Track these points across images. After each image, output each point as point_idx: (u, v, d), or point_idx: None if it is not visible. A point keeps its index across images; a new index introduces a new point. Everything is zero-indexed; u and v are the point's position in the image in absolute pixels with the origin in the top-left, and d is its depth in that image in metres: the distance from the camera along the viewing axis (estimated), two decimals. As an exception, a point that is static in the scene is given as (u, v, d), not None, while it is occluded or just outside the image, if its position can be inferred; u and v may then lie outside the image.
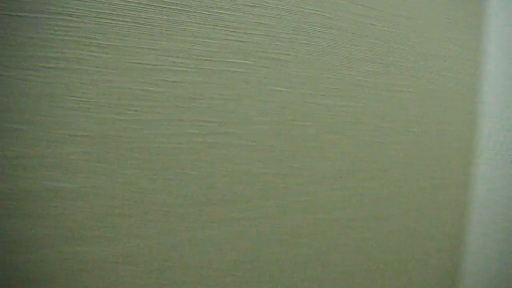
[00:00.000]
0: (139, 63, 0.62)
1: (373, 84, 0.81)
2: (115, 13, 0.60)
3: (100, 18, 0.59)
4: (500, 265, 0.98)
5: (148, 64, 0.62)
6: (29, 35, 0.56)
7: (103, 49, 0.60)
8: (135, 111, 0.62)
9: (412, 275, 0.93)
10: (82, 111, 0.59)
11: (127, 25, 0.61)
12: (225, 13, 0.66)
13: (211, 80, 0.66)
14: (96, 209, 0.61)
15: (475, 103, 1.00)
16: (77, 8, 0.58)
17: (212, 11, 0.65)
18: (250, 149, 0.70)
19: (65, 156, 0.59)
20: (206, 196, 0.68)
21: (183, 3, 0.63)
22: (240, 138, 0.69)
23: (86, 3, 0.58)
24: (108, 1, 0.59)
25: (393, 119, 0.84)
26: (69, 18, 0.57)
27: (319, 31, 0.74)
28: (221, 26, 0.66)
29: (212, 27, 0.66)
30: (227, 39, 0.67)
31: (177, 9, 0.63)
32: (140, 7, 0.61)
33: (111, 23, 0.60)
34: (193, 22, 0.64)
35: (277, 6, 0.70)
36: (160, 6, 0.62)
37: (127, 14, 0.60)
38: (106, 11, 0.59)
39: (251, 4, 0.68)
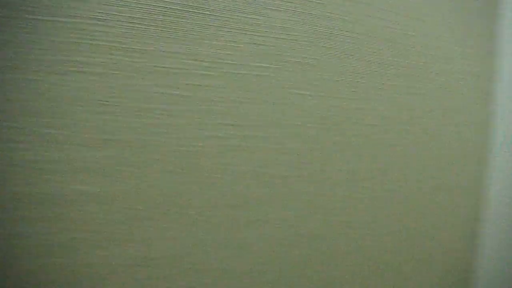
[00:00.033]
0: (164, 67, 0.62)
1: (391, 87, 0.81)
2: (141, 17, 0.60)
3: (127, 22, 0.59)
4: (514, 266, 0.99)
5: (173, 68, 0.63)
6: (57, 40, 0.56)
7: (129, 53, 0.60)
8: (160, 115, 0.62)
9: (426, 276, 0.93)
10: (108, 115, 0.60)
11: (153, 29, 0.61)
12: (249, 17, 0.67)
13: (234, 84, 0.67)
14: (119, 213, 0.61)
15: (488, 104, 1.00)
16: (105, 13, 0.58)
17: (236, 15, 0.66)
18: (272, 153, 0.71)
19: (90, 160, 0.59)
20: (227, 199, 0.68)
21: (208, 8, 0.64)
22: (261, 141, 0.70)
23: (113, 7, 0.58)
24: (134, 6, 0.59)
25: (410, 122, 0.85)
26: (97, 22, 0.58)
27: (340, 35, 0.74)
28: (245, 30, 0.66)
29: (236, 31, 0.66)
30: (250, 43, 0.67)
31: (201, 13, 0.63)
32: (165, 11, 0.61)
33: (137, 27, 0.60)
34: (217, 26, 0.65)
35: (300, 11, 0.70)
36: (184, 11, 0.62)
37: (153, 19, 0.61)
38: (133, 16, 0.59)
39: (274, 8, 0.68)
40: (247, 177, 0.69)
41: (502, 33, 1.00)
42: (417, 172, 0.87)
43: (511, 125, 1.00)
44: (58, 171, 0.58)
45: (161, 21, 0.61)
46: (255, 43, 0.67)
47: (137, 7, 0.60)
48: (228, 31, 0.65)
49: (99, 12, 0.58)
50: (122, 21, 0.59)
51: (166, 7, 0.61)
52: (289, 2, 0.69)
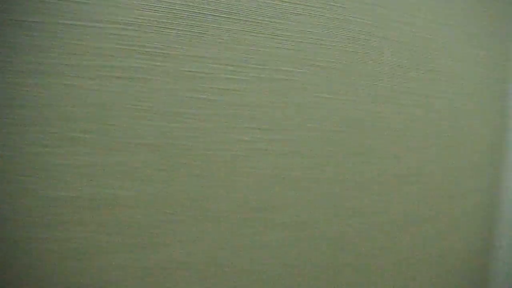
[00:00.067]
0: (197, 71, 0.63)
1: (414, 91, 0.82)
2: (172, 22, 0.61)
3: (161, 28, 0.60)
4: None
5: (201, 73, 0.63)
6: (94, 45, 0.57)
7: (163, 58, 0.60)
8: (188, 119, 0.63)
9: (445, 276, 0.94)
10: (142, 120, 0.60)
11: (185, 34, 0.61)
12: (277, 23, 0.67)
13: (260, 88, 0.67)
14: (154, 216, 0.62)
15: (504, 107, 1.01)
16: (139, 19, 0.59)
17: (264, 21, 0.66)
18: (296, 156, 0.71)
19: (123, 165, 0.60)
20: (258, 202, 0.69)
21: (238, 13, 0.64)
22: (290, 145, 0.70)
23: (147, 13, 0.59)
24: (166, 12, 0.60)
25: (431, 125, 0.86)
26: (131, 28, 0.58)
27: (365, 40, 0.75)
28: (273, 35, 0.67)
29: (265, 36, 0.67)
30: (278, 47, 0.68)
31: (231, 18, 0.64)
32: (197, 17, 0.62)
33: (171, 32, 0.61)
34: (246, 32, 0.65)
35: (326, 16, 0.71)
36: (216, 16, 0.63)
37: (184, 24, 0.61)
38: (165, 21, 0.60)
39: (301, 13, 0.69)
40: (273, 180, 0.69)
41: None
42: (436, 174, 0.88)
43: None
44: (92, 175, 0.58)
45: (194, 26, 0.62)
46: (279, 47, 0.68)
47: (169, 13, 0.60)
48: (258, 36, 0.66)
49: (134, 18, 0.58)
50: (157, 26, 0.60)
51: (199, 13, 0.62)
52: (313, 7, 0.70)
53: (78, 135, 0.57)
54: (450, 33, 0.87)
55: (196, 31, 0.62)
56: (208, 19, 0.63)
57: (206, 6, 0.63)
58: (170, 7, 0.60)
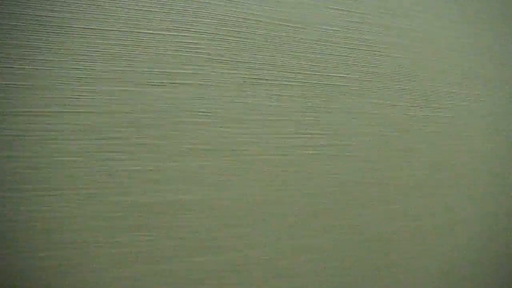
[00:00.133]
0: (255, 78, 0.64)
1: (457, 95, 0.83)
2: (234, 30, 0.62)
3: (228, 37, 0.61)
4: None
5: (263, 79, 0.64)
6: (157, 52, 0.58)
7: (223, 65, 0.62)
8: (251, 124, 0.64)
9: (484, 277, 0.95)
10: (206, 125, 0.61)
11: (250, 43, 0.63)
12: (331, 30, 0.68)
13: (316, 93, 0.68)
14: (215, 220, 0.63)
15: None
16: (210, 28, 0.60)
17: (319, 28, 0.68)
18: (351, 160, 0.72)
19: (189, 170, 0.61)
20: (311, 205, 0.70)
21: (294, 20, 0.66)
22: (342, 149, 0.71)
23: (209, 20, 0.60)
24: (227, 19, 0.61)
25: (470, 127, 0.87)
26: (201, 36, 0.59)
27: (415, 45, 0.76)
28: (327, 42, 0.68)
29: (319, 43, 0.68)
30: (331, 54, 0.69)
31: (288, 25, 0.65)
32: (256, 24, 0.63)
33: (231, 40, 0.62)
34: (303, 38, 0.67)
35: (377, 22, 0.72)
36: (274, 23, 0.64)
37: (250, 32, 0.62)
38: (228, 29, 0.61)
39: (354, 21, 0.70)
40: (327, 184, 0.71)
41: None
42: (481, 176, 0.89)
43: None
44: (157, 180, 0.59)
45: (253, 34, 0.63)
46: (336, 54, 0.69)
47: (230, 20, 0.62)
48: (312, 43, 0.67)
49: (198, 25, 0.60)
50: (223, 35, 0.61)
51: (259, 21, 0.63)
52: (364, 14, 0.71)
53: (144, 141, 0.58)
54: (488, 40, 0.88)
55: (257, 38, 0.64)
56: (269, 27, 0.64)
57: (269, 15, 0.64)
58: (233, 15, 0.62)
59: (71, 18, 0.54)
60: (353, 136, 0.72)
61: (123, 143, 0.58)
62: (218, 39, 0.61)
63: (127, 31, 0.57)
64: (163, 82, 0.59)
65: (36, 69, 0.54)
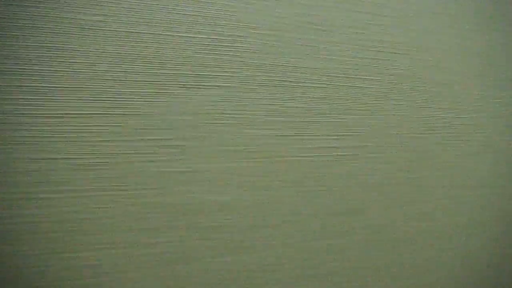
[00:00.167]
0: (282, 80, 0.65)
1: (480, 97, 0.84)
2: (269, 33, 0.63)
3: (261, 41, 0.63)
4: None
5: (291, 82, 0.66)
6: (189, 55, 0.60)
7: (252, 68, 0.63)
8: (284, 127, 0.65)
9: (507, 276, 0.94)
10: (238, 128, 0.63)
11: (282, 46, 0.64)
12: (354, 32, 0.70)
13: (340, 95, 0.70)
14: (246, 221, 0.64)
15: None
16: (234, 29, 0.62)
17: (342, 31, 0.69)
18: (377, 161, 0.73)
19: (222, 171, 0.62)
20: (338, 206, 0.70)
21: (318, 23, 0.67)
22: (368, 151, 0.72)
23: (250, 26, 0.62)
24: (258, 22, 0.63)
25: (488, 128, 0.87)
26: (234, 39, 0.61)
27: (436, 47, 0.77)
28: (350, 45, 0.70)
29: (342, 45, 0.69)
30: (354, 56, 0.70)
31: (312, 28, 0.67)
32: (282, 27, 0.65)
33: (265, 43, 0.63)
34: (326, 41, 0.68)
35: (399, 25, 0.73)
36: (299, 26, 0.66)
37: (283, 36, 0.64)
38: (265, 33, 0.63)
39: (376, 23, 0.72)
40: (354, 185, 0.71)
41: None
42: (502, 178, 0.89)
43: None
44: (192, 181, 0.61)
45: (277, 36, 0.65)
46: (362, 57, 0.71)
47: (258, 23, 0.63)
48: (339, 46, 0.69)
49: (225, 29, 0.61)
50: (246, 37, 0.63)
51: (284, 23, 0.65)
52: (386, 17, 0.73)
53: (178, 143, 0.60)
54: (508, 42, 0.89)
55: (291, 43, 0.65)
56: (304, 31, 0.66)
57: (302, 19, 0.66)
58: (266, 19, 0.64)
59: (105, 21, 0.57)
60: (375, 138, 0.73)
61: (156, 145, 0.59)
62: (247, 42, 0.63)
63: (160, 34, 0.59)
64: (195, 85, 0.60)
65: (73, 71, 0.56)
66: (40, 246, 0.54)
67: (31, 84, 0.54)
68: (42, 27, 0.54)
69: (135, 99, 0.58)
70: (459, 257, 0.85)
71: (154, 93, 0.59)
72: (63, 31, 0.55)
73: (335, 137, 0.70)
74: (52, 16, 0.54)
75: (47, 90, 0.54)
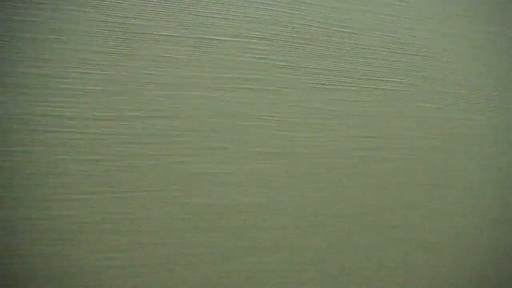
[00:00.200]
0: (314, 83, 0.66)
1: (502, 99, 0.85)
2: (303, 37, 0.64)
3: (291, 42, 0.63)
4: None
5: (327, 85, 0.66)
6: (225, 58, 0.60)
7: (286, 71, 0.64)
8: (315, 129, 0.66)
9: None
10: (272, 130, 0.63)
11: (311, 48, 0.65)
12: (386, 36, 0.70)
13: (371, 98, 0.70)
14: (279, 221, 0.65)
15: None
16: (272, 34, 0.62)
17: (374, 34, 0.69)
18: (402, 163, 0.74)
19: (254, 172, 0.63)
20: (363, 206, 0.71)
21: (351, 27, 0.67)
22: (393, 152, 0.73)
23: (279, 28, 0.62)
24: (297, 27, 0.63)
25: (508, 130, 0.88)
26: (265, 42, 0.61)
27: (462, 52, 0.78)
28: (382, 48, 0.70)
29: (374, 48, 0.69)
30: (385, 59, 0.71)
31: (344, 31, 0.67)
32: (315, 31, 0.65)
33: (299, 47, 0.64)
34: (358, 44, 0.68)
35: (427, 28, 0.74)
36: (332, 30, 0.66)
37: (312, 38, 0.64)
38: (296, 36, 0.63)
39: (406, 26, 0.72)
40: (379, 185, 0.72)
41: None
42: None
43: None
44: (227, 183, 0.61)
45: (316, 41, 0.65)
46: (391, 60, 0.71)
47: (292, 27, 0.63)
48: (366, 49, 0.69)
49: (267, 33, 0.61)
50: (285, 41, 0.63)
51: (322, 28, 0.65)
52: (414, 20, 0.73)
53: (214, 145, 0.60)
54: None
55: (320, 45, 0.66)
56: (333, 34, 0.66)
57: (331, 22, 0.66)
58: (301, 23, 0.64)
59: (143, 24, 0.57)
60: (402, 139, 0.74)
61: (192, 147, 0.60)
62: (281, 46, 0.63)
63: (197, 37, 0.59)
64: (230, 87, 0.61)
65: (108, 74, 0.56)
66: (80, 245, 0.55)
67: (74, 87, 0.54)
68: (85, 31, 0.54)
69: (170, 102, 0.58)
70: (481, 258, 0.86)
71: (190, 96, 0.59)
72: (103, 35, 0.55)
73: (364, 138, 0.70)
74: (98, 20, 0.54)
75: (85, 94, 0.55)
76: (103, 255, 0.56)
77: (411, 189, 0.76)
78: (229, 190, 0.62)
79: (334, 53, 0.67)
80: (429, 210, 0.78)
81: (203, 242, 0.61)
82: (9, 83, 0.51)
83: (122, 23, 0.55)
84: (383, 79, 0.71)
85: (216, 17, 0.60)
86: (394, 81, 0.72)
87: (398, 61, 0.72)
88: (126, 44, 0.56)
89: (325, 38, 0.66)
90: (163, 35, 0.57)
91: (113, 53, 0.55)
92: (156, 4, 0.57)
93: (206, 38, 0.59)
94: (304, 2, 0.65)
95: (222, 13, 0.60)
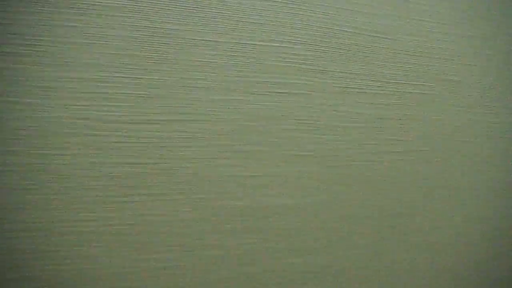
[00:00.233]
0: (349, 87, 0.66)
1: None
2: (331, 41, 0.64)
3: (319, 47, 0.64)
4: None
5: (356, 88, 0.67)
6: (263, 62, 0.61)
7: (323, 75, 0.64)
8: (345, 131, 0.66)
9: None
10: (304, 133, 0.64)
11: (339, 53, 0.65)
12: (411, 39, 0.71)
13: (397, 101, 0.71)
14: (308, 224, 0.65)
15: None
16: (302, 38, 0.62)
17: (398, 38, 0.70)
18: (431, 165, 0.74)
19: (286, 175, 0.63)
20: (394, 208, 0.71)
21: (382, 31, 0.68)
22: (422, 155, 0.74)
23: (308, 32, 0.63)
24: (325, 32, 0.64)
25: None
26: (295, 46, 0.62)
27: (482, 54, 0.79)
28: (406, 52, 0.71)
29: (399, 52, 0.70)
30: (409, 62, 0.72)
31: (376, 36, 0.68)
32: (350, 36, 0.66)
33: (328, 51, 0.64)
34: (383, 48, 0.69)
35: (452, 32, 0.75)
36: (365, 35, 0.67)
37: (341, 43, 0.65)
38: (324, 40, 0.64)
39: (435, 31, 0.73)
40: (409, 188, 0.72)
41: None
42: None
43: None
44: (263, 185, 0.61)
45: (344, 45, 0.66)
46: (416, 64, 0.72)
47: (329, 32, 0.64)
48: (392, 53, 0.70)
49: (296, 37, 0.62)
50: (314, 45, 0.64)
51: (350, 32, 0.66)
52: (443, 24, 0.74)
53: (246, 148, 0.60)
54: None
55: (349, 49, 0.67)
56: (361, 38, 0.67)
57: (359, 26, 0.67)
58: (337, 29, 0.65)
59: (179, 29, 0.57)
60: (430, 142, 0.74)
61: (230, 150, 0.60)
62: (319, 51, 0.64)
63: (236, 43, 0.59)
64: (268, 91, 0.61)
65: (144, 78, 0.56)
66: (113, 246, 0.54)
67: (111, 91, 0.54)
68: (123, 36, 0.54)
69: (209, 106, 0.59)
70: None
71: (229, 100, 0.59)
72: (140, 39, 0.55)
73: (392, 141, 0.71)
74: (135, 25, 0.55)
75: (121, 98, 0.55)
76: (135, 256, 0.55)
77: (438, 191, 0.76)
78: (265, 192, 0.61)
79: (362, 57, 0.68)
80: (457, 212, 0.78)
81: (236, 245, 0.60)
82: (46, 86, 0.52)
83: (159, 28, 0.56)
84: (412, 83, 0.72)
85: (249, 22, 0.60)
86: (425, 85, 0.73)
87: (428, 65, 0.73)
88: (162, 49, 0.56)
89: (353, 42, 0.67)
90: (198, 40, 0.58)
91: (150, 57, 0.56)
92: (192, 10, 0.58)
93: (240, 43, 0.60)
94: (333, 7, 0.66)
95: (255, 19, 0.61)
